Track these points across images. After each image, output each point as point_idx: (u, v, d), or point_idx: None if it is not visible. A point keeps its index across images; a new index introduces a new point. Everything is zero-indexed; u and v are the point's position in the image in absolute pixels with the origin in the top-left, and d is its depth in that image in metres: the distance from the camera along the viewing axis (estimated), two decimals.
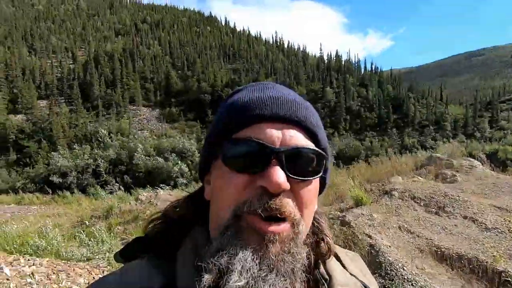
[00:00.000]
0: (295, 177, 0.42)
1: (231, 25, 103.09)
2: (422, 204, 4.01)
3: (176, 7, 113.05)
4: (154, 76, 62.68)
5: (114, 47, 69.29)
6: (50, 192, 21.92)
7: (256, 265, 0.38)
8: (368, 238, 2.73)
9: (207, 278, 0.38)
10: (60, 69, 60.19)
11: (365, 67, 74.60)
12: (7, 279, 2.92)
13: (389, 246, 2.71)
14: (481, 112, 52.97)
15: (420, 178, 5.24)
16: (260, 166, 0.42)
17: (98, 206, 12.01)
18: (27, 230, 8.43)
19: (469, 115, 50.94)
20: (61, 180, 26.40)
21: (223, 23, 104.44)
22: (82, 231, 8.95)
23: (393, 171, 5.71)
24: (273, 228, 0.40)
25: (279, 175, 0.40)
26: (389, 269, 2.45)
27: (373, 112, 56.49)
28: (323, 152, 0.46)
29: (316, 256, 0.50)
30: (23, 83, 51.60)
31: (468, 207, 3.79)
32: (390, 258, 2.53)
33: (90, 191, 22.74)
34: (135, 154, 28.09)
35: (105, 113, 51.27)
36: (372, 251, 2.61)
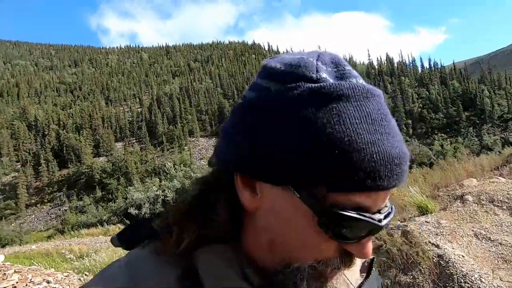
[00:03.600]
0: None
1: (274, 49, 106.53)
2: (504, 207, 3.43)
3: (222, 42, 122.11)
4: (208, 108, 67.28)
5: (172, 87, 77.09)
6: (129, 223, 24.46)
7: None
8: (435, 248, 2.43)
9: None
10: (130, 113, 68.87)
11: (422, 66, 68.79)
12: None
13: (462, 256, 2.37)
14: None
15: (501, 178, 4.52)
16: (358, 239, 0.38)
17: None
18: (112, 258, 9.53)
19: None
20: (137, 212, 29.32)
21: (266, 48, 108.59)
22: None
23: (466, 173, 5.04)
24: (338, 272, 0.41)
25: (371, 247, 0.39)
26: (462, 281, 2.12)
27: (439, 112, 51.00)
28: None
29: None
30: (103, 130, 60.26)
31: None
32: (463, 269, 2.20)
33: None
34: None
35: (169, 148, 56.28)
36: (441, 261, 2.31)
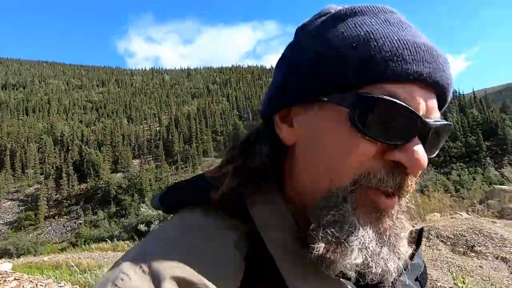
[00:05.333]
0: (429, 155, 0.37)
1: None
2: (449, 243, 3.59)
3: (241, 66, 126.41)
4: (223, 129, 68.91)
5: (190, 108, 79.98)
6: (138, 240, 25.00)
7: (374, 242, 0.36)
8: None
9: (322, 248, 0.35)
10: (149, 132, 71.63)
11: None
12: None
13: None
14: None
15: (464, 214, 4.65)
16: (402, 140, 0.35)
17: None
18: None
19: None
20: (146, 228, 29.91)
21: None
22: None
23: (435, 207, 5.18)
24: (393, 204, 0.37)
25: (424, 154, 0.35)
26: None
27: (457, 141, 49.53)
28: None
29: None
30: (122, 146, 62.84)
31: (506, 246, 3.25)
32: None
33: None
34: None
35: (183, 166, 57.60)
36: None
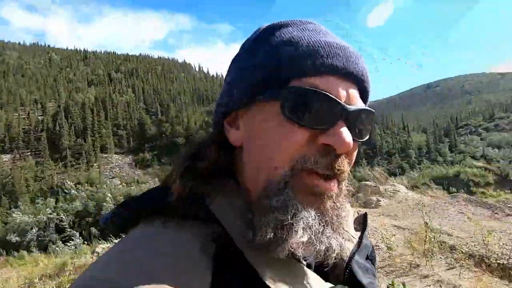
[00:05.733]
0: (355, 138, 0.42)
1: (204, 70, 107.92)
2: None
3: (150, 56, 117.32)
4: (127, 123, 62.58)
5: (86, 96, 69.43)
6: (5, 254, 20.16)
7: (317, 222, 0.39)
8: None
9: (270, 232, 0.38)
10: (27, 121, 58.69)
11: None
12: None
13: None
14: (441, 138, 57.28)
15: None
16: (327, 124, 0.40)
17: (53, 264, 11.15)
18: None
19: (430, 142, 54.73)
20: (18, 239, 24.43)
21: (197, 69, 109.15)
22: None
23: None
24: (331, 186, 0.41)
25: (349, 135, 0.40)
26: None
27: None
28: (375, 115, 0.46)
29: None
30: None
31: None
32: None
33: (51, 248, 21.12)
34: (104, 204, 26.89)
35: (74, 163, 49.55)
36: None
